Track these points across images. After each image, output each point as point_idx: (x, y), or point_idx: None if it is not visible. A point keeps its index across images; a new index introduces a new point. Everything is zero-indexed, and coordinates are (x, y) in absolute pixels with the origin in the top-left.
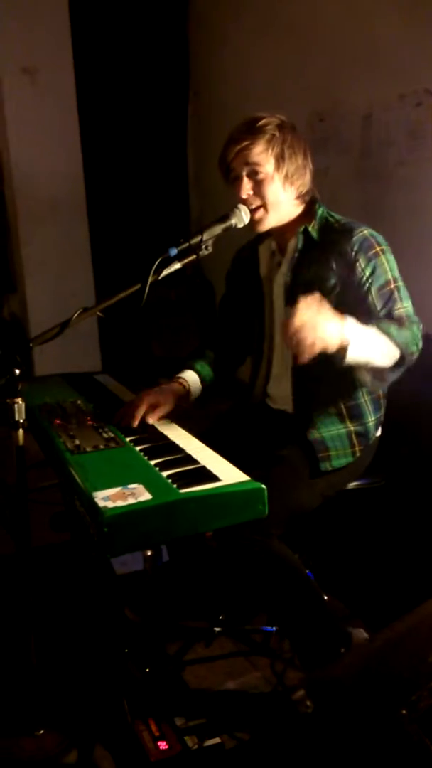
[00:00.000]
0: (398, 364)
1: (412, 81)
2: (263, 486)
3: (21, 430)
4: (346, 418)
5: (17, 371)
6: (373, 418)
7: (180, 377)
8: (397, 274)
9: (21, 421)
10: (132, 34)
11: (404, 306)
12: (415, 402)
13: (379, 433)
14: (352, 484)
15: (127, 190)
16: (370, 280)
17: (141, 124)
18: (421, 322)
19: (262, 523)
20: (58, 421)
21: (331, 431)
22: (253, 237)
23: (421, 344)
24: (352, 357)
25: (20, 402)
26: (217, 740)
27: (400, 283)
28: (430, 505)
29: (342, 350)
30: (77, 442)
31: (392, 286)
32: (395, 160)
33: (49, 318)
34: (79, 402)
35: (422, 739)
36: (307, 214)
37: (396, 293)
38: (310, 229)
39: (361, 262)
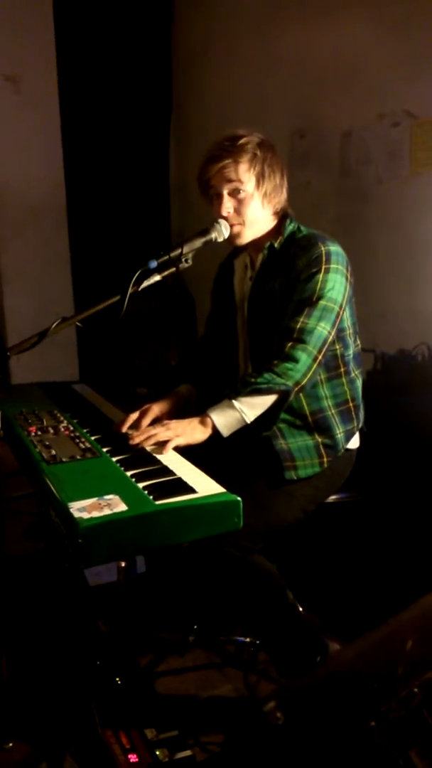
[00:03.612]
0: (281, 401)
1: (391, 101)
2: (238, 498)
3: None
4: (314, 430)
5: None
6: (341, 430)
7: (177, 389)
8: (328, 293)
9: None
10: (115, 44)
11: (306, 321)
12: (392, 416)
13: (354, 444)
14: (330, 498)
15: (108, 201)
16: (296, 291)
17: (123, 135)
18: (357, 343)
19: (243, 539)
20: (34, 431)
21: (298, 442)
22: (230, 252)
23: (308, 372)
24: (227, 432)
25: None
26: (188, 753)
27: (324, 303)
28: (405, 519)
29: (216, 436)
30: (53, 452)
31: (311, 300)
32: (373, 179)
33: (27, 327)
34: (56, 412)
35: (390, 751)
36: (278, 230)
37: (309, 308)
38: (275, 245)
39: (301, 276)
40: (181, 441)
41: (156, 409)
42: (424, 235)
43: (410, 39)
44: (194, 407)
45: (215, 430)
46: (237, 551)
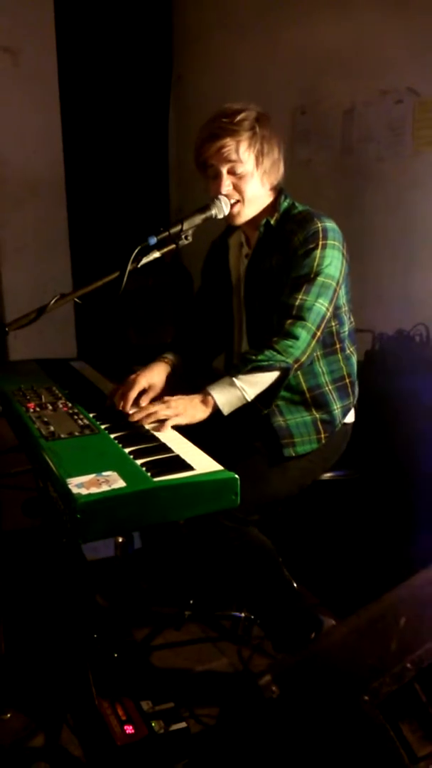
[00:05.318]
0: (281, 378)
1: (394, 78)
2: (236, 476)
3: None
4: (311, 406)
5: None
6: (338, 406)
7: (164, 356)
8: (326, 270)
9: None
10: (116, 17)
11: (305, 298)
12: (390, 397)
13: (350, 419)
14: (327, 475)
15: (107, 176)
16: (294, 268)
17: (123, 109)
18: (352, 322)
19: (236, 510)
20: (32, 407)
21: (296, 418)
22: (224, 230)
23: (308, 349)
24: (228, 410)
25: None
26: (182, 725)
27: (322, 279)
28: (401, 498)
29: (216, 414)
30: (52, 428)
31: (309, 277)
32: (375, 156)
33: (25, 303)
34: (54, 388)
35: (383, 725)
36: (274, 206)
37: (307, 285)
38: (272, 221)
39: (298, 253)
40: (182, 420)
41: (143, 381)
42: (425, 215)
43: (415, 15)
44: (180, 377)
45: (216, 408)
46: (230, 522)
